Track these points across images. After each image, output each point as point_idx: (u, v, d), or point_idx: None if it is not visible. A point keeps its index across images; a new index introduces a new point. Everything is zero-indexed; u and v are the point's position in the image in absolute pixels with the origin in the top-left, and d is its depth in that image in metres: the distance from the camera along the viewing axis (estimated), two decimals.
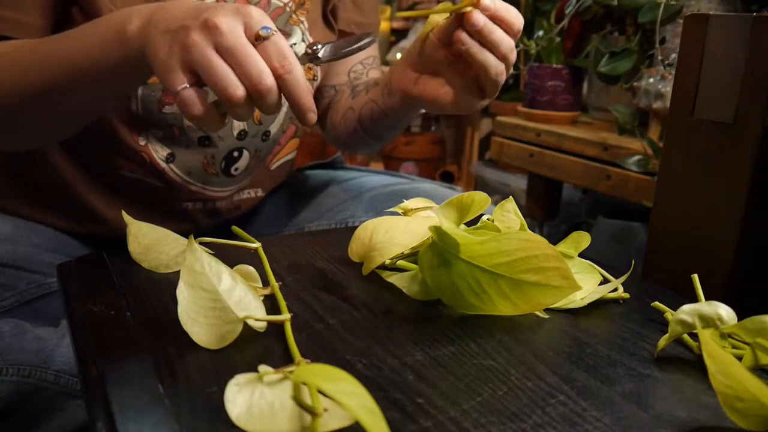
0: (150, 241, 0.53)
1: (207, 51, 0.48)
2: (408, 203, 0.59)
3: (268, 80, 0.49)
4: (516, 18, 0.58)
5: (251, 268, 0.48)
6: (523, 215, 0.55)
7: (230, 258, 0.47)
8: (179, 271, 0.40)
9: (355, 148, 0.89)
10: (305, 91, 0.51)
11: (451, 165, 2.56)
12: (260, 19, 0.50)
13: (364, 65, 0.88)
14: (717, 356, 0.33)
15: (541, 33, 1.20)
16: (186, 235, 0.51)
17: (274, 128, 0.80)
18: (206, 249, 0.46)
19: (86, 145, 0.72)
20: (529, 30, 1.42)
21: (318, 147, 2.26)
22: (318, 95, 0.89)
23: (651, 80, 0.97)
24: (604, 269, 0.54)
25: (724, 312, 0.41)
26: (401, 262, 0.53)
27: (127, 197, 0.76)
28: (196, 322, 0.40)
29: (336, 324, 0.44)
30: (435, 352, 0.41)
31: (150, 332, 0.42)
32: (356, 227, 0.55)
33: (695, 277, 0.49)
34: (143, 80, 0.66)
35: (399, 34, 2.72)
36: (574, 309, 0.48)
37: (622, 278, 0.52)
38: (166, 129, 0.73)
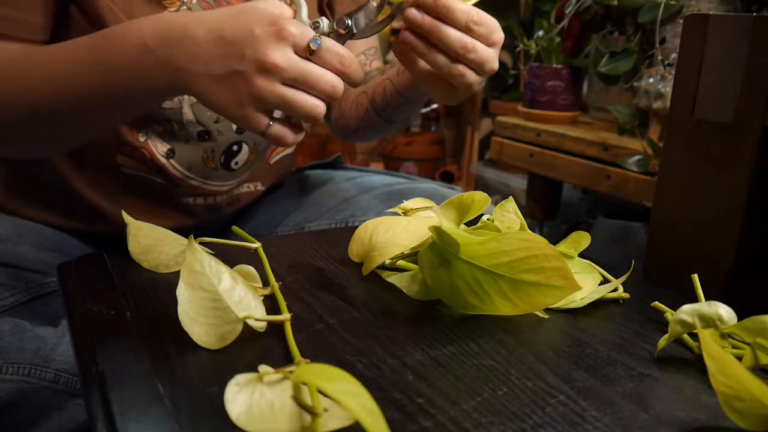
0: (150, 241, 0.53)
1: (278, 90, 0.50)
2: (408, 203, 0.59)
3: (340, 85, 0.52)
4: (463, 13, 0.54)
5: (251, 268, 0.48)
6: (523, 215, 0.55)
7: (230, 258, 0.47)
8: (179, 271, 0.40)
9: (364, 133, 0.88)
10: (361, 71, 0.54)
11: (451, 165, 2.56)
12: (301, 32, 0.50)
13: (366, 56, 0.88)
14: (717, 356, 0.33)
15: (541, 33, 1.20)
16: (185, 231, 0.51)
17: None
18: (206, 249, 0.46)
19: (86, 143, 0.72)
20: (529, 30, 1.42)
21: (318, 147, 2.26)
22: None
23: (651, 80, 0.97)
24: (604, 269, 0.54)
25: (724, 312, 0.41)
26: (401, 262, 0.53)
27: (128, 193, 0.76)
28: (196, 322, 0.40)
29: (336, 324, 0.44)
30: (435, 352, 0.41)
31: (150, 332, 0.42)
32: (356, 227, 0.55)
33: (695, 277, 0.49)
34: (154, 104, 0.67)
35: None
36: (574, 309, 0.48)
37: (622, 278, 0.52)
38: (165, 124, 0.73)
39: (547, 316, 0.47)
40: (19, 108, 0.58)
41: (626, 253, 1.19)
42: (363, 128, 0.85)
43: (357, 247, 0.54)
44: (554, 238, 0.51)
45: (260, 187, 0.88)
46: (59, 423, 0.59)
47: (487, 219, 0.56)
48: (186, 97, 0.71)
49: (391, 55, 2.58)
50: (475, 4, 0.56)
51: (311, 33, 0.51)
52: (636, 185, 0.96)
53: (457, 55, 0.56)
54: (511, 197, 0.56)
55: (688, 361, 0.42)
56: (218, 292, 0.40)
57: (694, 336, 0.44)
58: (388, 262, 0.53)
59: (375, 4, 0.55)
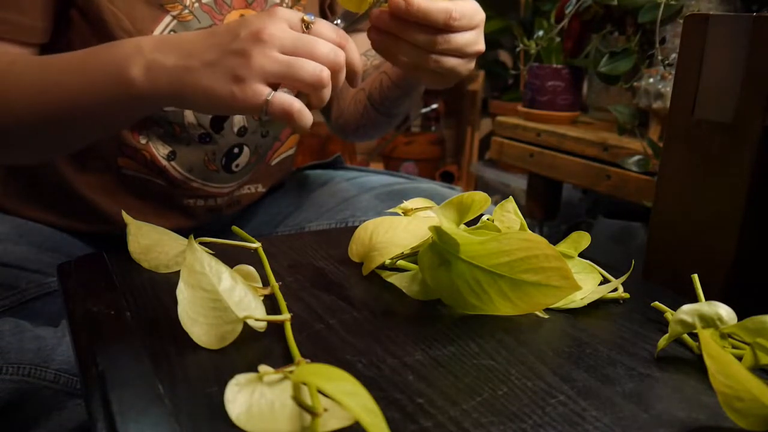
0: (150, 241, 0.53)
1: (278, 57, 0.49)
2: (408, 203, 0.59)
3: (341, 54, 0.51)
4: (440, 12, 0.53)
5: (251, 268, 0.48)
6: (523, 215, 0.55)
7: (230, 258, 0.47)
8: (179, 271, 0.40)
9: (364, 131, 0.88)
10: (359, 56, 0.54)
11: (451, 165, 2.56)
12: (292, 13, 0.51)
13: (367, 56, 0.88)
14: (717, 356, 0.33)
15: (541, 33, 1.20)
16: (186, 231, 0.51)
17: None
18: (206, 249, 0.46)
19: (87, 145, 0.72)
20: (529, 30, 1.42)
21: (318, 147, 2.26)
22: None
23: (651, 80, 0.97)
24: (604, 269, 0.54)
25: (724, 312, 0.41)
26: (401, 262, 0.53)
27: (128, 194, 0.76)
28: (196, 322, 0.40)
29: (336, 324, 0.44)
30: (435, 352, 0.41)
31: (150, 332, 0.42)
32: (356, 227, 0.55)
33: (695, 277, 0.49)
34: (139, 118, 0.66)
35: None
36: (574, 309, 0.48)
37: (622, 278, 0.52)
38: (166, 126, 0.73)
39: (547, 316, 0.47)
40: (17, 112, 0.58)
41: (626, 253, 1.19)
42: (363, 125, 0.85)
43: (357, 247, 0.54)
44: (554, 238, 0.51)
45: (261, 189, 0.88)
46: (59, 423, 0.59)
47: (487, 219, 0.55)
48: None
49: None
50: None
51: (301, 13, 0.51)
52: (636, 185, 0.96)
53: (428, 50, 0.55)
54: (511, 197, 0.56)
55: (688, 361, 0.42)
56: (218, 292, 0.40)
57: (694, 336, 0.44)
58: (388, 262, 0.53)
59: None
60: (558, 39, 1.18)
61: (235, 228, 0.53)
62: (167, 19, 0.67)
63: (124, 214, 0.53)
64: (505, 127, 1.26)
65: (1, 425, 0.56)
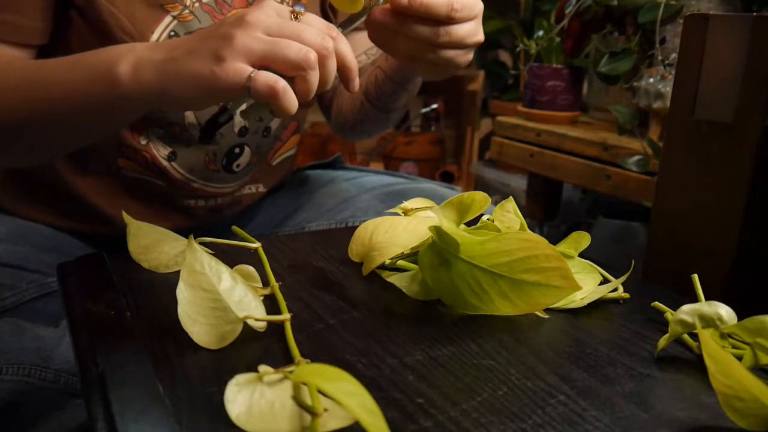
0: (150, 241, 0.53)
1: (262, 36, 0.48)
2: (408, 203, 0.59)
3: (329, 42, 0.49)
4: (442, 6, 0.53)
5: (251, 268, 0.48)
6: (523, 215, 0.55)
7: (230, 258, 0.47)
8: (179, 271, 0.40)
9: (362, 127, 0.87)
10: (352, 53, 0.52)
11: (451, 165, 2.56)
12: (282, 6, 0.51)
13: (368, 55, 0.88)
14: (717, 356, 0.33)
15: (541, 33, 1.20)
16: (186, 232, 0.51)
17: (274, 124, 0.80)
18: (206, 249, 0.46)
19: (86, 146, 0.72)
20: (529, 30, 1.42)
21: (318, 147, 2.26)
22: None
23: (651, 80, 0.97)
24: (604, 269, 0.54)
25: (724, 312, 0.41)
26: (401, 262, 0.53)
27: (129, 195, 0.76)
28: (196, 322, 0.40)
29: (336, 324, 0.44)
30: (435, 352, 0.41)
31: (150, 332, 0.42)
32: (356, 227, 0.55)
33: (695, 277, 0.49)
34: (134, 119, 0.66)
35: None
36: (574, 309, 0.48)
37: (622, 278, 0.52)
38: (167, 127, 0.73)
39: (547, 316, 0.47)
40: (15, 112, 0.58)
41: (626, 253, 1.19)
42: (360, 121, 0.85)
43: (357, 247, 0.54)
44: (554, 238, 0.51)
45: (262, 189, 0.88)
46: (59, 423, 0.59)
47: (487, 219, 0.55)
48: None
49: None
50: None
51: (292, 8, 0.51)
52: (636, 185, 0.96)
53: (429, 43, 0.55)
54: (511, 197, 0.56)
55: (688, 361, 0.42)
56: (218, 292, 0.40)
57: (694, 336, 0.44)
58: (388, 262, 0.53)
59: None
60: (558, 39, 1.18)
61: (235, 228, 0.53)
62: (167, 19, 0.67)
63: (124, 214, 0.53)
64: (505, 127, 1.26)
65: (1, 425, 0.56)
